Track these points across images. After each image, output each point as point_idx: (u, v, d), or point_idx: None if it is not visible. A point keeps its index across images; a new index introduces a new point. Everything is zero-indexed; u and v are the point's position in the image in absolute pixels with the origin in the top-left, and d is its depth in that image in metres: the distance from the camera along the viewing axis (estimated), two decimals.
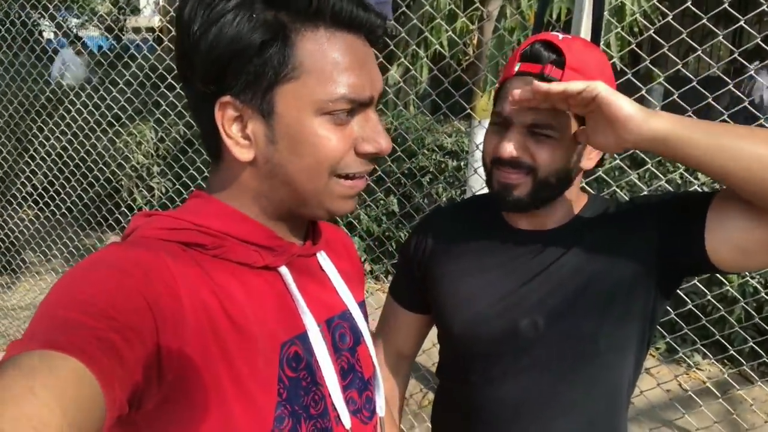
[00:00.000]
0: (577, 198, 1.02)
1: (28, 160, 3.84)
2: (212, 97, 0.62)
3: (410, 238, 1.15)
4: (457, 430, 1.08)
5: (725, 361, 3.30)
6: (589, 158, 0.98)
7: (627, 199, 1.06)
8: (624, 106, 0.79)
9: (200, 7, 0.58)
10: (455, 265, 1.05)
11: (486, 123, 2.82)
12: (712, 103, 1.64)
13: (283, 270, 0.69)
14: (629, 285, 0.94)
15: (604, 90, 0.79)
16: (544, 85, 0.81)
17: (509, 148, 0.91)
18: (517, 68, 0.90)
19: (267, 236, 0.68)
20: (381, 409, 0.81)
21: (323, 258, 0.78)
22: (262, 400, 0.62)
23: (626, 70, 1.69)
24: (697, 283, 2.01)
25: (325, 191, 0.66)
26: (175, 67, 0.62)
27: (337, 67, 0.60)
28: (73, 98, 3.46)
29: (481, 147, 2.57)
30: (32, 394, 0.40)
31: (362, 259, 4.16)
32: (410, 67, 2.00)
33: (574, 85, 0.80)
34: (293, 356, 0.66)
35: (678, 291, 1.97)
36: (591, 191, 1.07)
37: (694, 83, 1.59)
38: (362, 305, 0.83)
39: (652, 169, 1.92)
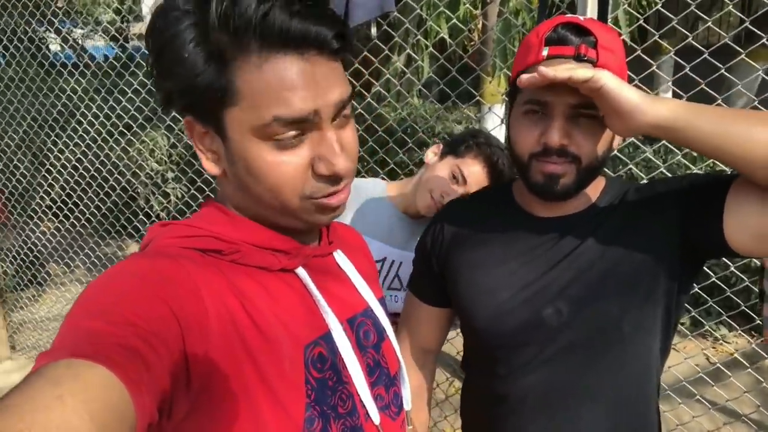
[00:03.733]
0: (596, 182, 1.01)
1: (45, 174, 3.89)
2: (181, 114, 0.64)
3: (426, 233, 1.14)
4: (486, 420, 1.08)
5: (752, 332, 3.27)
6: (617, 138, 0.98)
7: (644, 178, 1.04)
8: (628, 97, 0.79)
9: (156, 29, 0.58)
10: (475, 257, 1.05)
11: (496, 108, 2.80)
12: (725, 74, 1.62)
13: (301, 271, 0.69)
14: (652, 268, 0.93)
15: (608, 81, 0.79)
16: (550, 72, 0.80)
17: (557, 137, 0.88)
18: (545, 52, 0.88)
19: (281, 241, 0.68)
20: (407, 403, 0.82)
21: (340, 256, 0.78)
22: (291, 403, 0.62)
23: (635, 46, 1.67)
24: None
25: (299, 211, 0.65)
26: None
27: (269, 89, 0.58)
28: (84, 110, 3.49)
29: (493, 132, 2.55)
30: (61, 401, 0.40)
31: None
32: (414, 55, 1.99)
33: (580, 73, 0.79)
34: (317, 357, 0.67)
35: None
36: (609, 173, 1.06)
37: (705, 55, 1.56)
38: (382, 302, 0.83)
39: (667, 144, 1.89)
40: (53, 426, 0.39)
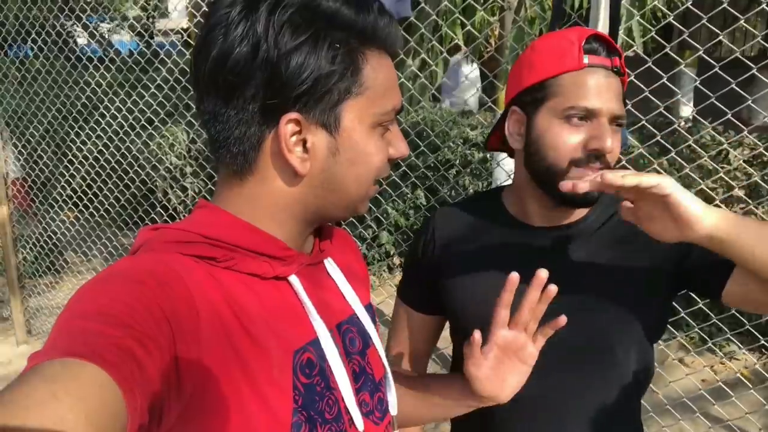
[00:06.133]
0: None
1: (68, 164, 3.98)
2: (272, 113, 0.63)
3: (417, 240, 1.13)
4: (476, 429, 1.08)
5: (762, 350, 3.22)
6: None
7: None
8: (691, 206, 0.77)
9: (284, 31, 0.60)
10: (468, 265, 1.04)
11: None
12: (752, 84, 1.61)
13: (293, 279, 0.70)
14: (645, 290, 0.95)
15: (675, 190, 0.77)
16: (617, 179, 0.77)
17: (611, 143, 0.89)
18: (586, 60, 0.90)
19: (277, 247, 0.68)
20: (393, 408, 0.82)
21: (330, 264, 0.79)
22: (279, 408, 0.63)
23: (646, 58, 1.67)
24: None
25: (365, 196, 0.71)
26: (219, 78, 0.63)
27: (386, 83, 0.68)
28: (108, 103, 3.57)
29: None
30: (56, 399, 0.41)
31: (390, 253, 4.19)
32: (428, 61, 2.01)
33: (648, 180, 0.77)
34: (306, 363, 0.67)
35: None
36: None
37: (716, 68, 1.57)
38: (369, 308, 0.84)
39: (677, 158, 1.89)
40: (48, 423, 0.39)
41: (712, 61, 1.57)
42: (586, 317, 0.95)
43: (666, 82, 1.63)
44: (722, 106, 1.64)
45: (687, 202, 0.78)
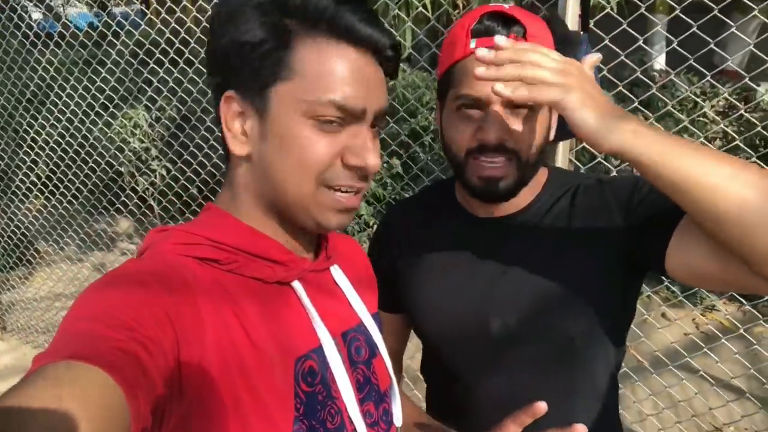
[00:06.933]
0: (537, 173, 0.97)
1: (27, 150, 3.78)
2: (220, 90, 0.66)
3: (375, 238, 1.11)
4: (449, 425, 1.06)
5: (743, 300, 3.25)
6: (554, 128, 0.94)
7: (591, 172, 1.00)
8: (587, 127, 0.70)
9: (225, 6, 0.64)
10: (420, 265, 1.02)
11: None
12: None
13: (296, 285, 0.70)
14: (600, 276, 0.90)
15: (572, 107, 0.70)
16: (506, 92, 0.71)
17: (494, 133, 0.84)
18: (473, 45, 0.84)
19: (279, 251, 0.69)
20: (398, 419, 0.82)
21: (336, 271, 0.78)
22: (279, 416, 0.63)
23: (620, 19, 1.58)
24: None
25: (312, 200, 0.66)
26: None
27: (331, 74, 0.63)
28: (58, 90, 3.37)
29: None
30: (60, 403, 0.41)
31: (370, 224, 4.13)
32: (393, 32, 1.91)
33: (543, 95, 0.70)
34: (308, 371, 0.67)
35: None
36: (550, 165, 1.01)
37: (694, 28, 1.48)
38: (376, 317, 0.83)
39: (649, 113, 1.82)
40: (53, 427, 0.39)
41: (685, 17, 1.49)
42: (541, 317, 0.91)
43: (636, 34, 1.54)
44: (693, 59, 1.56)
45: (586, 122, 0.69)
